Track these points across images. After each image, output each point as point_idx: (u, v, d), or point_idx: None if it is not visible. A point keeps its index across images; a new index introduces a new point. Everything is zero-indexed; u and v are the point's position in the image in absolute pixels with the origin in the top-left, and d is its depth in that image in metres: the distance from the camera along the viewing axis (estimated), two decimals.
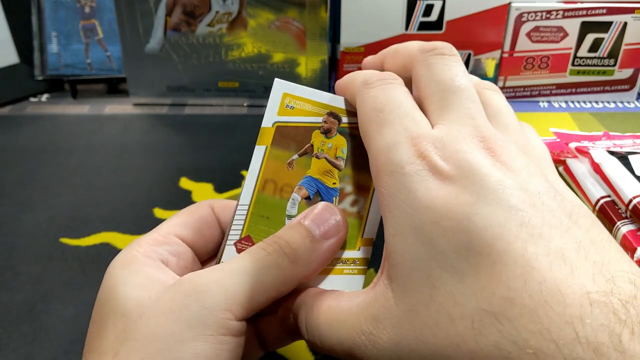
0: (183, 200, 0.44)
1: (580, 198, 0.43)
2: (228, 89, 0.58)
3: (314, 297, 0.23)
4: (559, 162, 0.46)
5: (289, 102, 0.27)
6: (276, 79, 0.27)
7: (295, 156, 0.26)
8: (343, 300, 0.22)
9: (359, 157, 0.26)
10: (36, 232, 0.40)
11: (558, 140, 0.50)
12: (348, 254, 0.26)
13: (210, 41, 0.56)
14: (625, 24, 0.56)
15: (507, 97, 0.59)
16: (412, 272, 0.18)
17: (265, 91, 0.58)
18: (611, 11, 0.55)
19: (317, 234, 0.24)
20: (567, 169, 0.44)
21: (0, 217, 0.42)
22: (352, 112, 0.26)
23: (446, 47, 0.23)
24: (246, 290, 0.22)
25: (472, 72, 0.57)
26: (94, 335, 0.22)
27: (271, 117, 0.26)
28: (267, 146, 0.26)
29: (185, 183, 0.46)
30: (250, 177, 0.26)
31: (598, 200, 0.40)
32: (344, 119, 0.27)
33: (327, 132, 0.26)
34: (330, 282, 0.25)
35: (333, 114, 0.27)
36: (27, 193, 0.45)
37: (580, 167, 0.43)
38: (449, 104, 0.21)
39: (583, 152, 0.44)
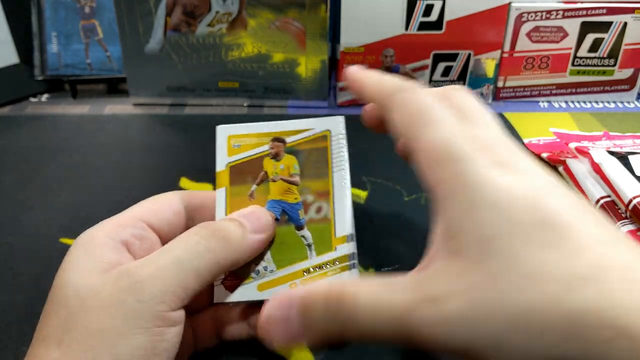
0: None
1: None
2: (228, 89, 0.58)
3: (336, 287, 0.21)
4: (558, 162, 0.46)
5: (234, 142, 0.29)
6: (218, 127, 0.29)
7: (254, 186, 0.28)
8: (378, 285, 0.20)
9: (312, 167, 0.28)
10: (36, 232, 0.40)
11: (558, 140, 0.50)
12: (327, 256, 0.27)
13: (210, 41, 0.56)
14: (625, 24, 0.56)
15: (507, 97, 0.60)
16: (491, 242, 0.18)
17: (265, 91, 0.58)
18: (611, 11, 0.55)
19: (248, 226, 0.26)
20: (567, 169, 0.44)
21: (0, 217, 0.42)
22: (293, 131, 0.29)
23: (458, 88, 0.25)
24: (181, 279, 0.23)
25: (472, 72, 0.57)
26: (41, 324, 0.23)
27: (222, 160, 0.29)
28: (227, 187, 0.28)
29: (185, 183, 0.46)
30: (219, 217, 0.28)
31: (598, 200, 0.40)
32: (288, 139, 0.29)
33: (276, 156, 0.29)
34: None
35: (277, 139, 0.29)
36: (27, 193, 0.45)
37: (580, 167, 0.43)
38: (477, 122, 0.23)
39: (583, 152, 0.44)
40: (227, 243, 0.25)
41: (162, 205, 0.28)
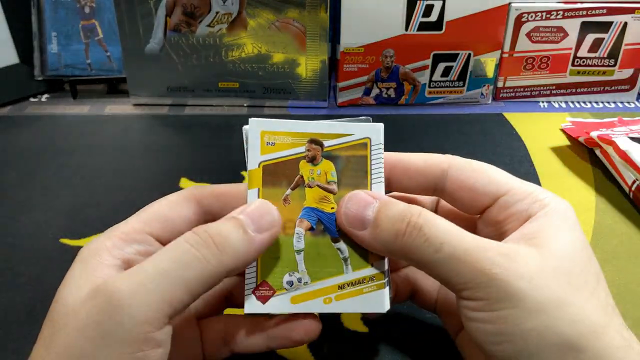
0: None
1: (617, 180, 0.45)
2: (228, 89, 0.58)
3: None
4: (595, 145, 0.48)
5: (268, 139, 0.27)
6: (251, 119, 0.27)
7: (289, 191, 0.26)
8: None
9: (350, 175, 0.26)
10: (36, 232, 0.40)
11: (574, 127, 0.52)
12: (362, 272, 0.26)
13: (210, 41, 0.56)
14: (625, 24, 0.56)
15: (507, 97, 0.60)
16: (570, 261, 0.23)
17: (265, 92, 0.58)
18: (611, 11, 0.55)
19: (251, 226, 0.23)
20: (604, 151, 0.47)
21: (0, 217, 0.42)
22: (331, 134, 0.27)
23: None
24: (166, 294, 0.20)
25: (472, 72, 0.57)
26: (40, 332, 0.22)
27: (255, 158, 0.26)
28: (259, 188, 0.26)
29: (185, 183, 0.46)
30: None
31: (634, 182, 0.42)
32: (326, 143, 0.27)
33: (312, 160, 0.27)
34: (352, 305, 0.25)
35: (314, 141, 0.27)
36: (27, 193, 0.45)
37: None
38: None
39: (606, 140, 0.45)
40: (222, 248, 0.22)
41: (172, 214, 0.26)
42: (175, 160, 0.49)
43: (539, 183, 0.46)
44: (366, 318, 0.33)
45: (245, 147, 0.27)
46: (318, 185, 0.26)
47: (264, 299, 0.25)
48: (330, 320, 0.33)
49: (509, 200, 0.25)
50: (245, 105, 0.58)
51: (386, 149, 0.27)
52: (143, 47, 0.56)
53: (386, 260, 0.26)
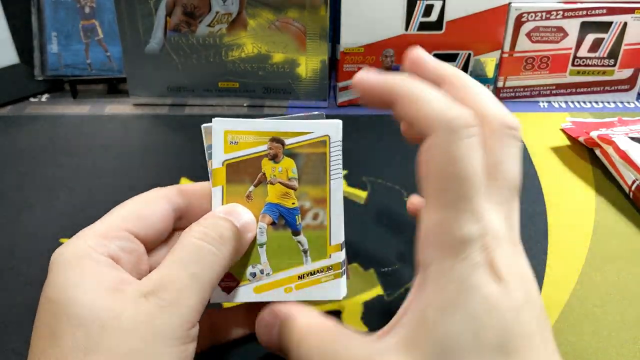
0: None
1: (617, 180, 0.44)
2: (228, 89, 0.58)
3: (314, 319, 0.24)
4: (594, 145, 0.48)
5: (231, 138, 0.28)
6: (214, 119, 0.28)
7: (252, 188, 0.28)
8: (342, 338, 0.23)
9: (310, 172, 0.28)
10: (36, 232, 0.40)
11: (574, 127, 0.52)
12: (321, 263, 0.27)
13: (210, 41, 0.56)
14: (625, 24, 0.56)
15: (507, 97, 0.59)
16: (449, 352, 0.19)
17: (265, 92, 0.58)
18: (611, 11, 0.55)
19: (239, 226, 0.26)
20: (604, 151, 0.47)
21: (0, 217, 0.42)
22: (292, 133, 0.28)
23: (520, 129, 0.24)
24: (200, 296, 0.23)
25: (472, 72, 0.57)
26: (46, 342, 0.22)
27: (219, 157, 0.28)
28: (223, 186, 0.28)
29: (185, 183, 0.46)
30: None
31: (633, 182, 0.42)
32: (287, 141, 0.28)
33: (274, 158, 0.28)
34: (311, 293, 0.27)
35: (276, 139, 0.28)
36: (27, 193, 0.45)
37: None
38: (508, 202, 0.23)
39: (606, 140, 0.45)
40: (226, 247, 0.25)
41: (148, 211, 0.27)
42: (175, 160, 0.49)
43: (539, 183, 0.46)
44: (366, 318, 0.33)
45: (205, 145, 0.28)
46: (280, 182, 0.28)
47: (228, 290, 0.27)
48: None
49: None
50: (245, 105, 0.58)
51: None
52: (143, 47, 0.56)
53: (343, 251, 0.28)
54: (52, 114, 0.57)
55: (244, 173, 0.28)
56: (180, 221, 0.28)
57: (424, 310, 0.21)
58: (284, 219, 0.28)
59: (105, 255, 0.24)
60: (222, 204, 0.27)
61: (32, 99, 0.60)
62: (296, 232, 0.28)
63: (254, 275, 0.27)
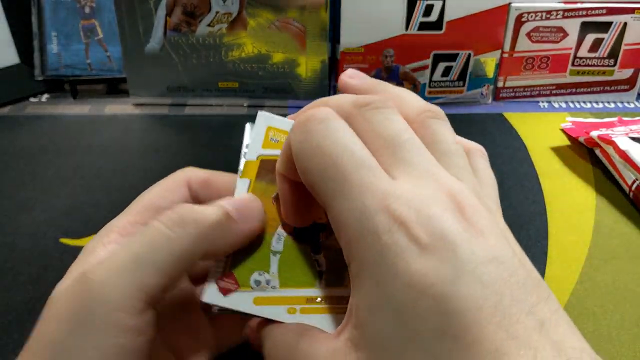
0: None
1: (617, 180, 0.44)
2: (228, 89, 0.58)
3: (280, 329, 0.22)
4: (594, 145, 0.48)
5: (273, 135, 0.26)
6: (260, 112, 0.26)
7: None
8: (315, 345, 0.21)
9: None
10: (36, 232, 0.40)
11: (574, 127, 0.52)
12: (336, 292, 0.24)
13: (210, 41, 0.56)
14: (625, 24, 0.56)
15: (507, 97, 0.59)
16: (386, 351, 0.17)
17: (265, 91, 0.58)
18: (611, 11, 0.55)
19: (235, 214, 0.23)
20: (604, 151, 0.47)
21: (0, 217, 0.42)
22: None
23: (380, 100, 0.21)
24: (138, 279, 0.20)
25: (472, 72, 0.57)
26: None
27: (255, 150, 0.26)
28: (252, 180, 0.25)
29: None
30: None
31: (633, 182, 0.42)
32: None
33: None
34: (315, 322, 0.23)
35: None
36: (27, 193, 0.45)
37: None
38: (404, 159, 0.19)
39: (606, 140, 0.45)
40: (197, 229, 0.22)
41: (166, 202, 0.25)
42: (175, 160, 0.49)
43: (539, 183, 0.46)
44: None
45: (244, 141, 0.26)
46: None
47: (225, 291, 0.23)
48: None
49: None
50: (245, 105, 0.58)
51: None
52: (143, 47, 0.56)
53: None
54: (52, 114, 0.57)
55: (276, 173, 0.25)
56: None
57: (356, 312, 0.19)
58: (306, 232, 0.25)
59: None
60: None
61: (32, 99, 0.60)
62: (317, 250, 0.25)
63: (258, 283, 0.24)
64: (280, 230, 0.25)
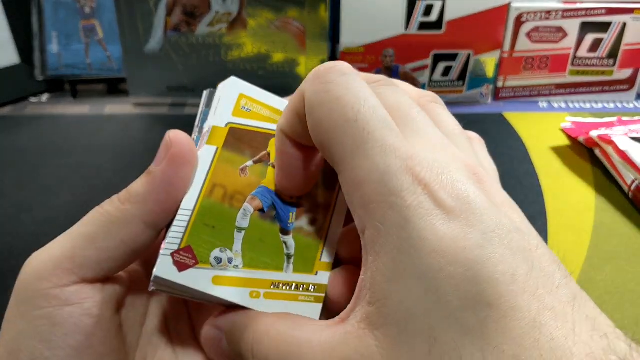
0: None
1: (617, 180, 0.44)
2: None
3: (264, 319, 0.19)
4: (594, 145, 0.48)
5: (245, 103, 0.24)
6: (233, 77, 0.24)
7: (250, 162, 0.23)
8: (301, 330, 0.18)
9: (321, 171, 0.23)
10: (36, 232, 0.40)
11: (574, 127, 0.52)
12: (304, 277, 0.22)
13: (210, 41, 0.56)
14: (625, 24, 0.56)
15: (507, 97, 0.60)
16: (410, 323, 0.16)
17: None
18: (611, 11, 0.55)
19: (153, 164, 0.21)
20: (603, 151, 0.47)
21: (0, 217, 0.42)
22: None
23: (387, 79, 0.21)
24: (66, 250, 0.20)
25: (472, 72, 0.57)
26: None
27: (224, 116, 0.23)
28: (219, 147, 0.23)
29: None
30: (197, 178, 0.22)
31: (633, 182, 0.42)
32: None
33: None
34: (280, 309, 0.21)
35: None
36: (27, 193, 0.45)
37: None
38: (418, 130, 0.18)
39: (606, 140, 0.45)
40: (125, 198, 0.21)
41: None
42: None
43: (539, 183, 0.46)
44: None
45: (201, 107, 0.24)
46: None
47: (181, 267, 0.20)
48: None
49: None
50: None
51: None
52: (143, 47, 0.56)
53: (330, 273, 0.23)
54: (52, 114, 0.57)
55: (246, 144, 0.23)
56: None
57: (372, 285, 0.17)
58: (275, 211, 0.23)
59: None
60: (211, 167, 0.22)
61: (32, 99, 0.60)
62: (285, 231, 0.23)
63: (219, 261, 0.21)
64: (246, 205, 0.22)
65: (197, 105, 0.64)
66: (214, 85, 0.26)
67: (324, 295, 0.22)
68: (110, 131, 0.54)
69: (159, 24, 0.55)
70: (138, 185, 0.21)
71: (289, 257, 0.22)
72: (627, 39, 0.56)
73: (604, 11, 0.55)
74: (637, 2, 0.55)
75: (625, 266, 0.37)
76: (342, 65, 0.19)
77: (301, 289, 0.22)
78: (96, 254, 0.20)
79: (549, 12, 0.55)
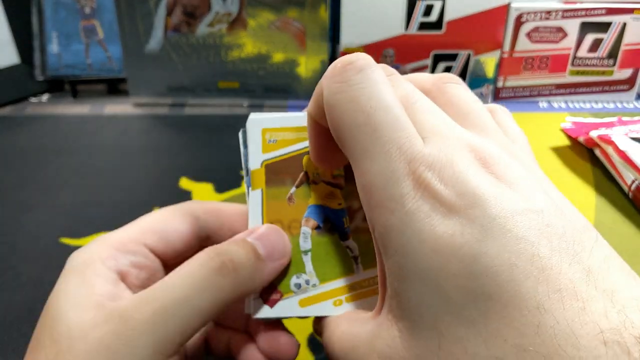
0: (183, 200, 0.44)
1: (617, 180, 0.44)
2: (228, 89, 0.58)
3: (332, 322, 0.22)
4: (594, 145, 0.48)
5: (269, 136, 0.25)
6: (250, 116, 0.25)
7: (293, 189, 0.25)
8: (356, 325, 0.20)
9: None
10: (36, 232, 0.40)
11: (574, 127, 0.52)
12: (374, 271, 0.24)
13: (210, 41, 0.56)
14: (625, 24, 0.56)
15: (507, 97, 0.60)
16: (419, 318, 0.17)
17: (265, 91, 0.58)
18: (611, 11, 0.55)
19: (263, 252, 0.23)
20: (603, 152, 0.47)
21: (0, 217, 0.42)
22: None
23: (389, 68, 0.21)
24: (179, 324, 0.20)
25: (472, 72, 0.57)
26: (32, 348, 0.21)
27: (257, 157, 0.25)
28: (262, 189, 0.25)
29: (185, 183, 0.46)
30: (255, 225, 0.24)
31: (633, 182, 0.42)
32: None
33: None
34: (365, 307, 0.23)
35: None
36: (27, 193, 0.45)
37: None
38: (424, 112, 0.19)
39: (606, 140, 0.45)
40: (236, 275, 0.22)
41: (169, 227, 0.25)
42: (175, 160, 0.49)
43: None
44: None
45: (241, 147, 0.25)
46: (323, 181, 0.25)
47: (271, 303, 0.24)
48: None
49: None
50: (245, 105, 0.58)
51: None
52: (143, 47, 0.56)
53: None
54: (52, 114, 0.57)
55: (284, 173, 0.25)
56: (209, 240, 0.26)
57: (390, 281, 0.18)
58: (330, 222, 0.24)
59: (113, 269, 0.22)
60: (262, 209, 0.24)
61: (32, 99, 0.60)
62: (344, 236, 0.24)
63: (298, 286, 0.24)
64: (304, 228, 0.24)
65: (197, 106, 0.64)
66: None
67: None
68: (110, 131, 0.54)
69: (159, 24, 0.55)
70: (251, 269, 0.22)
71: (355, 258, 0.24)
72: (627, 39, 0.56)
73: (604, 11, 0.55)
74: (637, 2, 0.55)
75: None
76: (359, 61, 0.19)
77: (376, 284, 0.23)
78: (201, 326, 0.21)
79: (549, 12, 0.55)
